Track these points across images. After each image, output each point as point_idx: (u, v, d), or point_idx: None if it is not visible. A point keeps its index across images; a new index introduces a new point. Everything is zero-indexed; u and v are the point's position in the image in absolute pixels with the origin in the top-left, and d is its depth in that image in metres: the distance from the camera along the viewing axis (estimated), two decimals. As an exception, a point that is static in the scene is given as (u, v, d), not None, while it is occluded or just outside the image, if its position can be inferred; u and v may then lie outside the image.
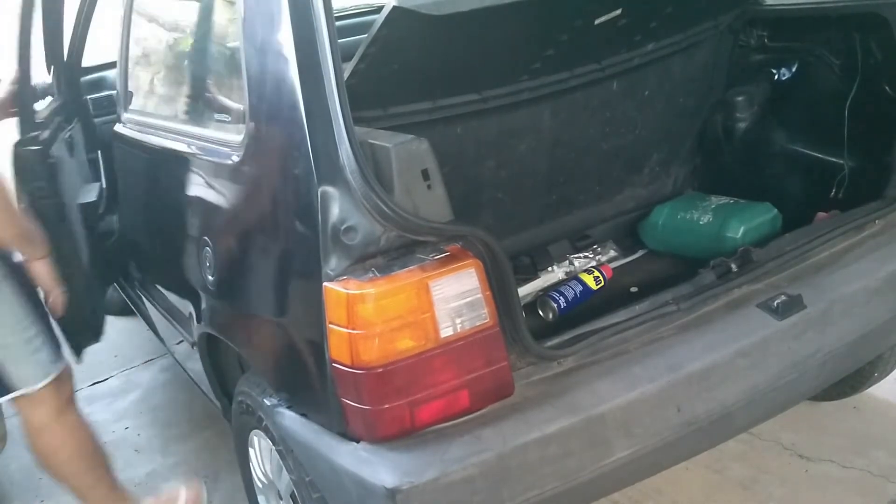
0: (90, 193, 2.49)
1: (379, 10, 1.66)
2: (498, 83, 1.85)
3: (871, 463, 2.20)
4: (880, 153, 1.96)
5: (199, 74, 1.98)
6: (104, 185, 2.60)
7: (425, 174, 1.30)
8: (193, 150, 1.80)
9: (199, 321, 1.92)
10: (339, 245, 1.28)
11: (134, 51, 2.29)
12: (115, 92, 2.43)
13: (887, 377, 2.31)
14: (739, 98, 2.33)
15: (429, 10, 1.35)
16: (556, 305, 1.96)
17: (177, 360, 2.65)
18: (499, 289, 1.35)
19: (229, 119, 1.70)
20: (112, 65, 2.60)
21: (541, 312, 2.00)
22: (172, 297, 2.21)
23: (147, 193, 2.13)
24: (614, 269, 2.13)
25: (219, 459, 2.59)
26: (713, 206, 2.16)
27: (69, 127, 2.45)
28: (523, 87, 1.88)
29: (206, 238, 1.74)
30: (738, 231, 2.03)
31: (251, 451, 1.93)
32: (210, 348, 1.97)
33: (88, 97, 2.85)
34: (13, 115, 2.20)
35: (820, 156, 2.19)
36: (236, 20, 1.54)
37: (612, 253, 2.22)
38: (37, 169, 2.12)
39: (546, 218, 2.21)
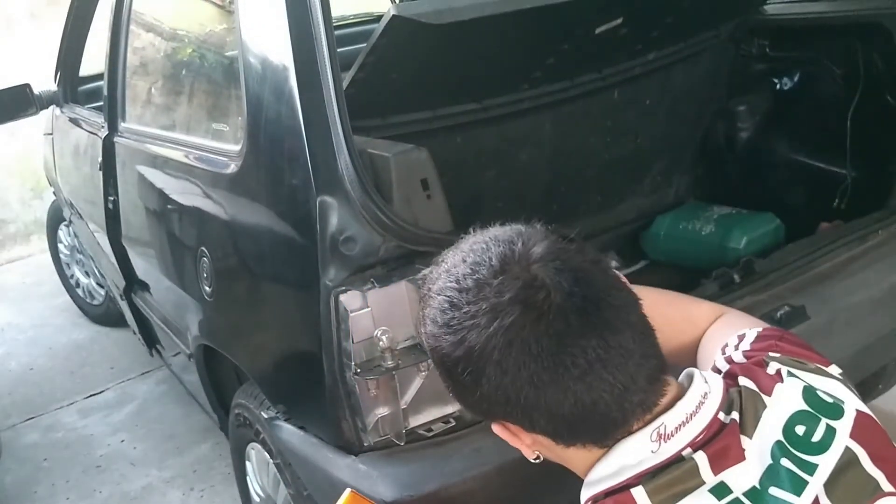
0: None
1: (378, 19, 1.66)
2: (498, 92, 1.84)
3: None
4: (883, 163, 1.95)
5: (198, 84, 1.97)
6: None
7: (425, 184, 1.29)
8: (191, 159, 1.79)
9: (195, 332, 1.91)
10: (337, 255, 1.26)
11: (132, 61, 2.28)
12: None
13: (892, 388, 2.29)
14: (741, 107, 2.32)
15: (428, 19, 1.34)
16: (557, 316, 1.94)
17: (173, 372, 2.63)
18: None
19: (227, 128, 1.69)
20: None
21: (542, 323, 1.98)
22: (169, 308, 2.20)
23: (144, 203, 2.12)
24: (616, 279, 2.11)
25: (216, 473, 2.56)
26: (715, 217, 2.15)
27: None
28: (524, 97, 1.88)
29: (203, 248, 1.72)
30: (740, 241, 2.02)
31: (248, 464, 1.92)
32: (207, 360, 1.96)
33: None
34: None
35: (822, 166, 2.19)
36: (235, 29, 1.54)
37: (614, 263, 2.20)
38: None
39: (547, 228, 2.20)
